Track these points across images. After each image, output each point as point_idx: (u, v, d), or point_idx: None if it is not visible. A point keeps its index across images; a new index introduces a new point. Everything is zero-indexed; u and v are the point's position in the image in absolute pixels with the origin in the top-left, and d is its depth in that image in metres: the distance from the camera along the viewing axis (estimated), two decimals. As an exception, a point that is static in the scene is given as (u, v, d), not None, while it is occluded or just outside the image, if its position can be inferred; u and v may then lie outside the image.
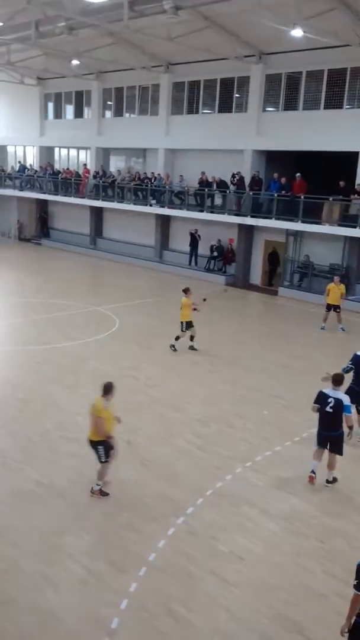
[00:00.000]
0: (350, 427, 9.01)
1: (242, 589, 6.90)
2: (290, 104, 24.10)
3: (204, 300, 15.83)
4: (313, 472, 9.15)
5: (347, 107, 22.47)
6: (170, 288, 24.85)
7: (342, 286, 18.57)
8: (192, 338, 15.73)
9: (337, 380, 9.09)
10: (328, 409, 8.94)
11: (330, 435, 9.07)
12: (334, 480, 9.22)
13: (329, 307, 18.43)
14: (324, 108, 22.96)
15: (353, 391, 10.41)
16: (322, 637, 6.24)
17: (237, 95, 26.10)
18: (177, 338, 15.59)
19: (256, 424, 11.45)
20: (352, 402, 9.70)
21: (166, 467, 9.61)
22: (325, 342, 17.48)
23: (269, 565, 7.36)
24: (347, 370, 10.59)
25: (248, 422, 11.50)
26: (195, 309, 15.51)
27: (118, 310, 19.50)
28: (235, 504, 8.63)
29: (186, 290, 15.71)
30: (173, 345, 15.59)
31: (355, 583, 5.13)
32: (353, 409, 9.59)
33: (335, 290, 18.26)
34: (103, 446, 8.62)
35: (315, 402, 9.15)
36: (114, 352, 15.37)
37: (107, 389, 8.79)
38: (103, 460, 8.65)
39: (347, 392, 9.79)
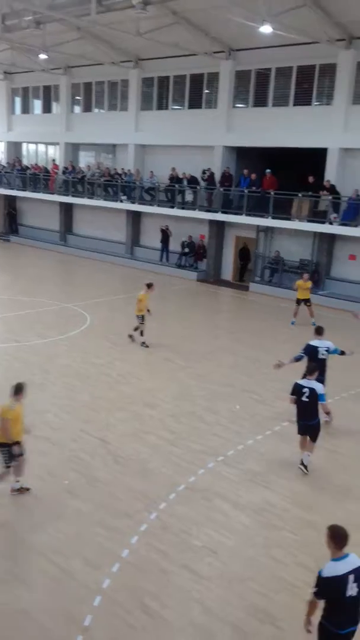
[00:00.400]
0: (327, 413, 9.43)
1: (215, 582, 6.93)
2: (260, 101, 24.24)
3: (148, 310, 15.70)
4: (302, 461, 9.51)
5: (316, 103, 22.71)
6: (141, 284, 24.76)
7: (310, 283, 18.77)
8: (136, 329, 15.82)
9: (310, 370, 9.53)
10: (304, 398, 9.25)
11: (306, 424, 9.40)
12: (306, 467, 9.42)
13: (299, 301, 18.63)
14: (294, 105, 23.16)
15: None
16: (294, 626, 6.29)
17: (206, 91, 26.13)
18: (141, 333, 15.66)
19: (228, 419, 11.50)
20: None
21: (139, 463, 9.59)
22: (296, 336, 17.61)
23: (242, 558, 7.40)
24: (298, 359, 10.96)
25: (220, 417, 11.54)
26: (148, 310, 15.57)
27: (89, 307, 19.37)
28: (208, 498, 8.66)
29: (149, 285, 15.78)
30: (144, 342, 15.55)
31: (315, 591, 5.18)
32: None
33: (303, 286, 18.47)
34: (7, 450, 8.09)
35: (292, 393, 9.40)
36: (85, 349, 15.26)
37: (18, 390, 8.21)
38: (6, 465, 8.20)
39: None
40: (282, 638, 6.16)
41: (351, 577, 5.02)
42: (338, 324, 18.44)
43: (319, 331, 11.48)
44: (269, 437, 10.80)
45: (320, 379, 10.54)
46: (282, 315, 20.34)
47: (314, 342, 11.20)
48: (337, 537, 5.12)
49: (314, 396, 9.21)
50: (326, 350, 11.15)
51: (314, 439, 9.47)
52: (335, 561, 5.09)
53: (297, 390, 9.33)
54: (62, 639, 6.01)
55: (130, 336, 15.84)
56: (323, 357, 11.10)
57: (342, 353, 11.31)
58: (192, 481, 9.09)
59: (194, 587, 6.81)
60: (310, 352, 11.04)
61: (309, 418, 9.36)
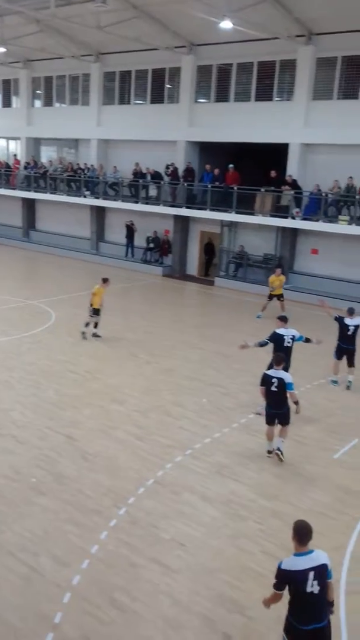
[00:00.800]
0: (296, 402, 9.59)
1: (183, 574, 7.02)
2: (222, 96, 24.36)
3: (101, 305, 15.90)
4: (269, 451, 9.82)
5: (277, 99, 22.94)
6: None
7: (283, 277, 19.00)
8: (95, 325, 15.91)
9: (277, 361, 9.71)
10: (273, 388, 9.48)
11: (277, 413, 9.64)
12: (282, 453, 9.70)
13: (271, 297, 18.81)
14: (255, 100, 23.34)
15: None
16: (261, 614, 6.42)
17: (168, 86, 26.12)
18: (95, 325, 15.77)
19: (195, 412, 11.60)
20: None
21: (107, 459, 9.61)
22: (262, 330, 17.82)
23: (210, 549, 7.51)
24: (262, 344, 11.40)
25: (187, 411, 11.64)
26: (101, 305, 15.74)
27: (54, 304, 19.22)
28: (176, 491, 8.75)
29: (105, 280, 15.96)
30: (95, 333, 15.82)
31: (274, 582, 5.24)
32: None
33: (276, 281, 18.66)
34: None
35: (262, 384, 9.64)
36: (50, 346, 15.16)
37: None
38: None
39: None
40: (250, 626, 6.29)
41: (311, 574, 5.03)
42: (302, 317, 18.72)
43: (283, 319, 11.72)
44: (236, 429, 10.94)
45: (285, 367, 10.76)
46: (248, 309, 20.57)
47: (280, 331, 11.49)
48: (300, 533, 5.17)
49: (283, 385, 9.44)
50: (291, 339, 11.44)
51: (285, 423, 9.70)
52: (297, 556, 5.14)
53: (266, 380, 9.57)
54: (32, 637, 6.01)
55: (83, 333, 15.80)
56: (288, 345, 11.37)
57: (307, 340, 11.62)
58: (160, 475, 9.16)
59: (163, 580, 6.89)
60: (276, 339, 11.35)
61: (279, 407, 9.60)
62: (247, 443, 10.35)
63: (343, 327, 13.15)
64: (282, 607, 6.48)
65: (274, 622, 6.30)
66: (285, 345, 11.28)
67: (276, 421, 9.71)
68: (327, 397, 12.81)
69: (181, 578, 6.95)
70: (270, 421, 9.74)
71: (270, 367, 10.11)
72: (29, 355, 14.39)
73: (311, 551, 5.14)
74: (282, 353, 10.38)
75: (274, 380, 9.47)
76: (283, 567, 5.13)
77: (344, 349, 13.15)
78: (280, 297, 18.78)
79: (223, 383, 13.22)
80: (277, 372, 9.56)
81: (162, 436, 10.49)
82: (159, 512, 8.21)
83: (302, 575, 5.03)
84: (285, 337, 11.35)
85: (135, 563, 7.16)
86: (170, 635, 6.11)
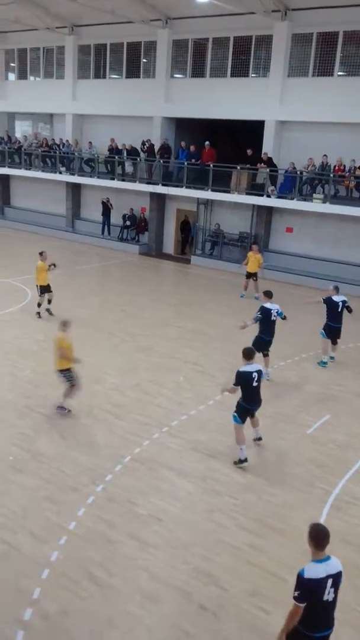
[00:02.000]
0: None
1: (160, 549, 7.19)
2: (198, 71, 24.12)
3: (54, 265, 15.87)
4: (244, 459, 9.08)
5: (253, 75, 22.79)
6: (83, 258, 24.56)
7: (259, 256, 19.04)
8: (49, 301, 15.86)
9: (249, 354, 9.12)
10: (254, 384, 9.02)
11: (254, 408, 9.33)
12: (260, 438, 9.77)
13: (248, 275, 18.92)
14: (231, 76, 23.16)
15: (262, 341, 12.09)
16: (235, 585, 6.66)
17: (144, 60, 25.75)
18: (38, 304, 15.75)
19: (172, 390, 11.74)
20: (258, 350, 11.42)
21: (85, 437, 9.71)
22: (237, 308, 18.02)
23: (186, 523, 7.70)
24: (256, 320, 11.96)
25: (164, 389, 11.76)
26: (51, 266, 15.71)
27: (29, 282, 19.01)
28: (153, 468, 8.89)
29: (41, 254, 15.74)
30: (38, 313, 15.73)
31: (297, 595, 4.80)
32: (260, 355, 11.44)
33: (253, 258, 18.75)
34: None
35: (237, 383, 8.99)
36: (27, 325, 15.10)
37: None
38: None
39: (255, 342, 11.80)
40: (224, 597, 6.50)
41: (329, 582, 4.82)
42: (277, 296, 18.85)
43: (269, 295, 12.30)
44: (211, 406, 11.11)
45: (270, 340, 12.10)
46: (224, 287, 20.70)
47: (268, 305, 12.07)
48: (317, 538, 4.89)
49: (261, 376, 9.17)
50: (277, 313, 12.15)
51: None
52: (317, 563, 4.84)
53: (245, 377, 8.93)
54: (11, 613, 6.13)
55: (38, 313, 15.73)
56: (274, 319, 12.12)
57: (284, 317, 12.39)
58: (137, 452, 9.30)
59: (140, 555, 7.05)
60: (266, 314, 11.95)
61: (258, 401, 9.27)
62: (223, 420, 10.51)
63: (333, 306, 13.16)
64: (257, 580, 6.72)
65: (248, 594, 6.54)
66: (272, 319, 12.06)
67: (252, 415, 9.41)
68: (300, 374, 13.04)
69: (158, 553, 7.12)
70: (245, 419, 9.21)
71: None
72: (5, 334, 14.32)
73: (328, 557, 4.89)
74: (253, 322, 11.69)
75: (254, 374, 8.98)
76: (306, 575, 4.76)
77: (333, 328, 13.23)
78: (254, 276, 18.88)
79: (199, 361, 13.35)
80: (253, 366, 9.05)
81: (139, 414, 10.60)
82: (136, 488, 8.35)
83: (322, 583, 4.79)
84: (272, 311, 12.04)
85: (112, 539, 7.31)
86: (148, 608, 6.29)
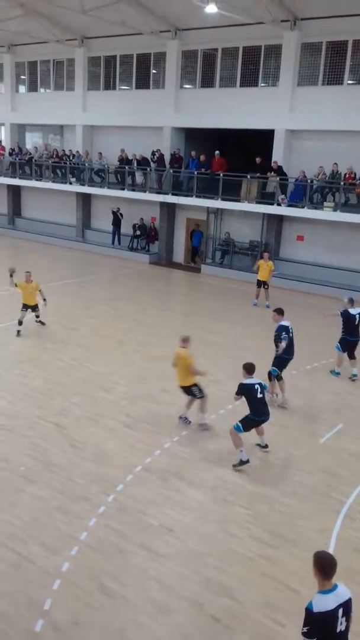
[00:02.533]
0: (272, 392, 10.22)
1: (172, 559, 7.13)
2: (207, 81, 24.23)
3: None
4: (248, 460, 9.19)
5: (262, 85, 22.86)
6: (93, 268, 24.66)
7: (271, 263, 18.99)
8: (37, 316, 15.61)
9: (251, 369, 9.30)
10: (259, 395, 9.18)
11: (264, 420, 9.36)
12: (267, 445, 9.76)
13: (259, 284, 18.85)
14: (240, 85, 23.24)
15: (284, 359, 11.51)
16: (248, 597, 6.58)
17: (154, 71, 25.93)
18: (20, 322, 15.01)
19: (183, 400, 11.66)
20: (281, 368, 11.48)
21: (95, 446, 9.68)
22: (248, 317, 17.98)
23: (197, 534, 7.63)
24: (284, 340, 11.16)
25: (175, 398, 11.69)
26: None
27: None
28: (164, 478, 8.84)
29: (26, 275, 15.29)
30: (18, 331, 14.97)
31: (305, 631, 4.50)
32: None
33: (264, 266, 18.69)
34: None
35: (239, 393, 9.27)
36: (38, 335, 15.14)
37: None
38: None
39: (277, 362, 11.43)
40: (237, 609, 6.42)
41: (340, 611, 4.51)
42: (288, 304, 18.79)
43: (282, 312, 11.65)
44: (222, 416, 11.05)
45: (288, 358, 11.54)
46: (234, 296, 20.67)
47: (285, 323, 11.49)
48: (326, 566, 4.56)
49: (263, 390, 9.33)
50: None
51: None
52: (324, 594, 4.50)
53: (248, 389, 9.16)
54: (22, 623, 6.09)
55: (18, 332, 15.00)
56: (292, 335, 11.58)
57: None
58: (148, 462, 9.25)
59: (151, 566, 6.99)
60: (288, 331, 11.39)
61: (265, 413, 9.32)
62: (234, 429, 10.45)
63: (350, 319, 12.86)
64: (270, 592, 6.65)
65: (260, 606, 6.46)
66: (290, 335, 11.49)
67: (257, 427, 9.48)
68: (313, 383, 12.95)
69: (170, 563, 7.06)
70: (250, 429, 9.31)
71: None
72: (17, 344, 14.37)
73: (336, 586, 4.58)
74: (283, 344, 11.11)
75: (257, 386, 9.18)
76: (316, 610, 4.44)
77: (350, 341, 12.97)
78: (265, 284, 18.82)
79: (210, 370, 13.26)
80: (254, 379, 9.26)
81: (150, 423, 10.57)
82: (147, 498, 8.31)
83: (334, 615, 4.48)
84: (290, 328, 11.49)
85: (123, 549, 7.26)
86: (159, 619, 6.23)
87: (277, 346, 11.29)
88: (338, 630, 4.54)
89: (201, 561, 7.12)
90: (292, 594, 6.56)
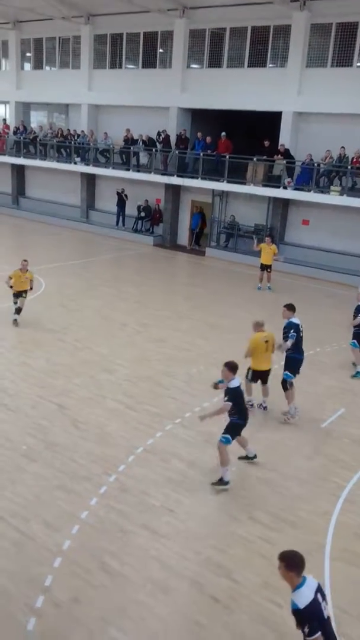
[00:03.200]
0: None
1: (172, 539, 7.18)
2: (215, 61, 23.91)
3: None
4: (229, 482, 8.29)
5: (271, 65, 22.55)
6: (97, 249, 24.58)
7: (274, 246, 18.93)
8: (18, 309, 14.28)
9: (235, 367, 8.32)
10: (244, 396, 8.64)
11: (246, 422, 8.51)
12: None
13: (262, 267, 18.81)
14: (248, 66, 22.93)
15: (297, 360, 10.36)
16: (248, 578, 6.63)
17: (160, 50, 25.58)
18: (15, 310, 14.31)
19: (185, 382, 11.71)
20: (295, 372, 10.34)
21: (97, 427, 9.71)
22: (251, 301, 17.93)
23: (198, 515, 7.67)
24: (293, 338, 10.11)
25: (177, 381, 11.73)
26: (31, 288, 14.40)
27: (44, 273, 19.09)
28: (166, 459, 8.88)
29: (23, 264, 14.38)
30: (15, 320, 14.30)
31: (307, 630, 4.49)
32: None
33: (267, 250, 18.64)
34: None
35: (230, 400, 8.17)
36: (41, 316, 15.13)
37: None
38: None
39: (289, 364, 10.27)
40: (236, 590, 6.47)
41: (319, 596, 4.62)
42: (293, 288, 18.78)
43: (293, 308, 10.53)
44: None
45: (300, 358, 10.36)
46: (238, 279, 20.61)
47: (295, 320, 10.41)
48: (299, 564, 4.62)
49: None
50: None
51: None
52: (299, 588, 4.57)
53: (239, 393, 8.33)
54: (23, 600, 6.15)
55: (15, 320, 14.30)
56: (302, 334, 10.46)
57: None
58: (150, 443, 9.28)
59: (152, 545, 7.05)
60: (297, 330, 10.32)
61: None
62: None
63: None
64: (269, 573, 6.69)
65: (259, 587, 6.51)
66: (301, 334, 10.42)
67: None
68: (316, 368, 12.93)
69: (170, 543, 7.11)
70: (238, 435, 8.48)
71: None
72: (20, 325, 14.36)
73: (305, 577, 4.64)
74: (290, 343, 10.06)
75: (240, 387, 8.40)
76: (302, 606, 4.49)
77: None
78: (268, 267, 18.78)
79: (213, 353, 13.28)
80: (238, 380, 8.37)
81: (152, 405, 10.59)
82: (148, 479, 8.35)
83: (316, 601, 4.56)
84: (300, 326, 10.41)
85: (125, 529, 7.31)
86: (159, 598, 6.29)
87: (280, 346, 10.27)
88: (326, 616, 4.63)
89: (201, 542, 7.17)
90: (291, 576, 6.60)
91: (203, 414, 8.56)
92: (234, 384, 8.20)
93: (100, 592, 6.32)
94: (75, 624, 5.91)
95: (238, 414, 8.25)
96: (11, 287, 14.20)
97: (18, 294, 14.32)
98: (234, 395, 8.16)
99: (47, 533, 7.13)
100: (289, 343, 10.14)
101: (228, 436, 8.20)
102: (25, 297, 14.43)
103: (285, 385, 10.36)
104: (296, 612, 4.51)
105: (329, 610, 4.72)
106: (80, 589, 6.34)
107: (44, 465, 8.53)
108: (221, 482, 8.23)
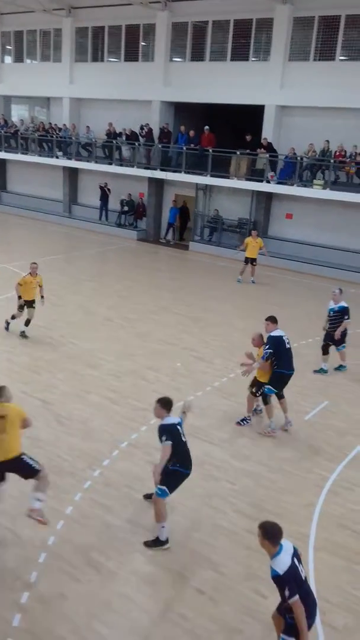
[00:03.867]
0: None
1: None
2: (197, 55, 23.85)
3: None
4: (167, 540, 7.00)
5: (253, 59, 22.53)
6: (80, 244, 24.44)
7: (260, 240, 18.99)
8: (27, 322, 13.17)
9: (167, 404, 7.12)
10: (184, 439, 7.19)
11: (189, 473, 7.22)
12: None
13: (247, 261, 18.89)
14: (231, 59, 22.90)
15: (283, 376, 9.54)
16: (233, 569, 6.66)
17: (143, 43, 25.45)
18: (13, 317, 13.34)
19: (169, 376, 11.70)
20: (279, 388, 9.55)
21: (81, 422, 9.67)
22: (235, 294, 17.97)
23: (183, 508, 7.68)
24: (267, 357, 9.24)
25: (161, 375, 11.72)
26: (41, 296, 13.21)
27: (27, 268, 18.89)
28: (150, 453, 8.85)
29: (32, 267, 13.26)
30: (7, 323, 13.45)
31: (288, 593, 4.76)
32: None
33: (253, 244, 18.70)
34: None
35: (169, 439, 6.90)
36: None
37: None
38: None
39: (273, 380, 9.39)
40: (221, 581, 6.49)
41: (296, 561, 4.95)
42: (276, 282, 18.85)
43: (275, 320, 9.59)
44: (209, 393, 11.08)
45: (286, 373, 9.49)
46: (222, 273, 20.63)
47: (276, 333, 9.42)
48: (275, 535, 4.95)
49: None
50: (288, 339, 9.51)
51: None
52: (278, 555, 4.88)
53: (175, 432, 6.99)
54: (8, 596, 6.11)
55: (22, 332, 13.22)
56: (289, 346, 9.54)
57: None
58: (134, 438, 9.27)
59: (137, 539, 7.03)
60: (279, 343, 9.36)
61: (190, 464, 7.24)
62: (220, 406, 10.51)
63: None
64: (254, 564, 6.72)
65: (244, 578, 6.55)
66: (286, 347, 9.44)
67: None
68: (299, 360, 12.95)
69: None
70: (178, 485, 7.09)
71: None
72: (2, 320, 14.22)
73: (281, 544, 4.96)
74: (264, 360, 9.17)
75: (178, 427, 7.09)
76: (282, 572, 4.80)
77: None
78: (253, 261, 18.85)
79: (197, 347, 13.30)
80: (174, 418, 7.15)
81: (136, 400, 10.57)
82: (133, 473, 8.33)
83: (293, 565, 4.88)
84: (284, 338, 9.46)
85: (109, 523, 7.29)
86: (145, 591, 6.29)
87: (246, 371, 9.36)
88: (303, 577, 4.97)
89: (187, 534, 7.18)
90: (275, 567, 6.64)
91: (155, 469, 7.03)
92: (166, 420, 6.97)
93: (85, 586, 6.31)
94: (60, 619, 5.88)
95: (177, 459, 6.96)
96: (19, 297, 12.95)
97: (27, 304, 12.98)
98: (170, 432, 6.88)
99: (31, 529, 7.08)
100: (256, 365, 9.27)
101: (164, 488, 6.86)
102: (34, 308, 13.10)
103: (265, 399, 9.73)
104: (276, 578, 4.83)
105: (304, 571, 5.06)
106: (66, 584, 6.31)
107: (28, 461, 8.46)
108: (157, 542, 6.93)
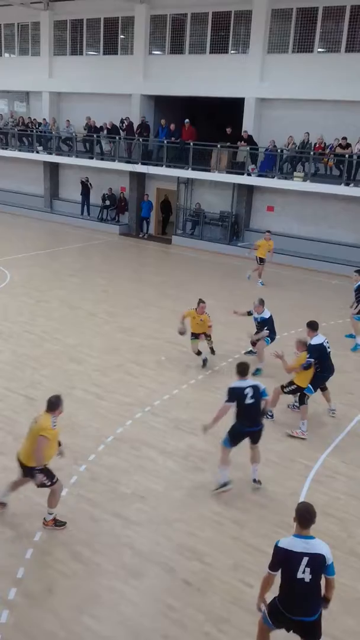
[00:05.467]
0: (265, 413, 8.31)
1: (144, 526, 7.23)
2: (176, 47, 23.78)
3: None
4: (225, 484, 7.85)
5: (232, 51, 22.52)
6: (62, 239, 24.32)
7: (272, 242, 18.58)
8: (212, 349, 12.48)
9: (244, 371, 7.81)
10: (248, 401, 7.67)
11: (251, 431, 7.90)
12: (260, 482, 8.16)
13: (262, 260, 18.30)
14: (210, 52, 22.86)
15: (325, 378, 9.89)
16: (219, 560, 6.73)
17: (122, 36, 25.31)
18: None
19: (154, 370, 11.73)
20: (317, 388, 9.77)
21: (66, 418, 9.57)
22: (219, 289, 18.01)
23: (169, 501, 7.74)
24: (308, 366, 9.41)
25: (146, 369, 11.75)
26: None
27: (8, 264, 18.85)
28: (136, 447, 8.91)
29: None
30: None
31: (271, 562, 4.95)
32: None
33: (265, 245, 18.32)
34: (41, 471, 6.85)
35: (230, 400, 7.67)
36: (6, 307, 14.94)
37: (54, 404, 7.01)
38: (48, 483, 6.91)
39: (314, 382, 9.58)
40: (208, 571, 6.57)
41: (305, 560, 4.79)
42: (261, 275, 18.89)
43: (313, 327, 9.76)
44: (193, 385, 11.14)
45: (327, 376, 9.76)
46: (205, 267, 20.67)
47: (317, 340, 9.59)
48: (302, 516, 4.92)
49: (258, 394, 7.79)
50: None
51: (258, 441, 8.05)
52: (296, 537, 4.89)
53: (237, 393, 7.67)
54: (-4, 591, 6.14)
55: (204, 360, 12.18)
56: (329, 350, 9.74)
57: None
58: (120, 432, 9.30)
59: (124, 533, 7.08)
60: (320, 351, 9.51)
61: (256, 422, 7.88)
62: (205, 398, 10.56)
63: None
64: (240, 554, 6.80)
65: (230, 569, 6.62)
66: (327, 351, 9.64)
67: (248, 440, 7.97)
68: (283, 351, 13.06)
69: (142, 530, 7.16)
70: (238, 441, 7.93)
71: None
72: (-15, 317, 14.16)
73: (311, 537, 4.90)
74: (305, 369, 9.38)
75: (247, 390, 7.66)
76: (280, 544, 4.90)
77: None
78: (262, 260, 18.51)
79: (181, 341, 13.31)
80: (246, 381, 7.76)
81: (121, 394, 10.59)
82: (119, 467, 8.37)
83: (296, 557, 4.80)
84: (325, 344, 9.63)
85: (96, 517, 7.33)
86: (132, 583, 6.34)
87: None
88: (299, 576, 4.81)
89: (173, 527, 7.24)
90: (261, 557, 6.71)
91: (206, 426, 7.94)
92: (235, 383, 7.70)
93: (73, 581, 6.34)
94: (49, 614, 5.91)
95: (239, 417, 7.80)
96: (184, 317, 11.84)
97: (196, 335, 11.84)
98: (231, 394, 7.69)
99: (17, 525, 7.10)
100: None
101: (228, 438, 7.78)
102: (211, 341, 12.19)
103: (303, 399, 9.74)
104: (275, 545, 4.93)
105: (309, 578, 4.87)
106: (53, 579, 6.34)
107: (13, 458, 8.43)
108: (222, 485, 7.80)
